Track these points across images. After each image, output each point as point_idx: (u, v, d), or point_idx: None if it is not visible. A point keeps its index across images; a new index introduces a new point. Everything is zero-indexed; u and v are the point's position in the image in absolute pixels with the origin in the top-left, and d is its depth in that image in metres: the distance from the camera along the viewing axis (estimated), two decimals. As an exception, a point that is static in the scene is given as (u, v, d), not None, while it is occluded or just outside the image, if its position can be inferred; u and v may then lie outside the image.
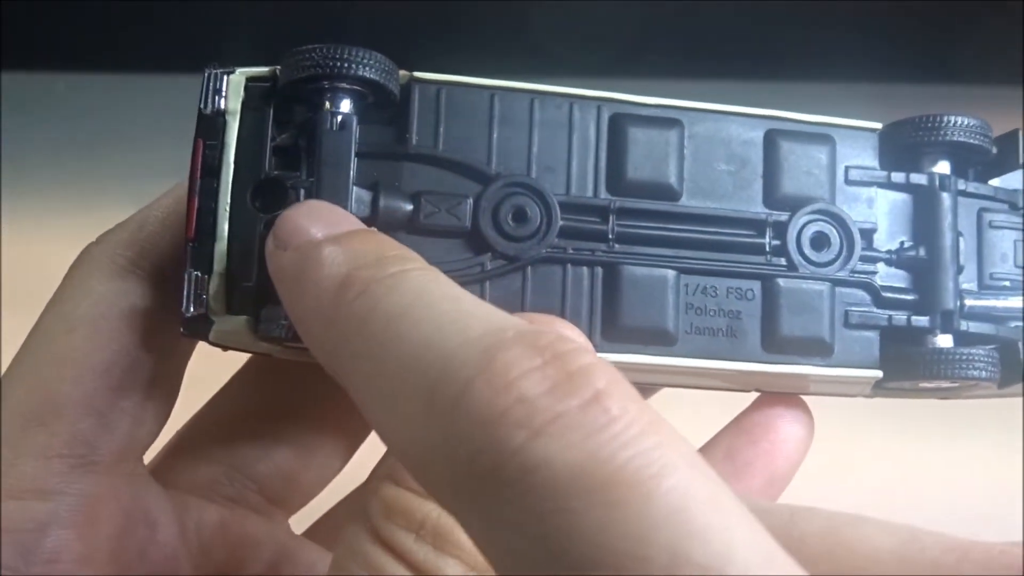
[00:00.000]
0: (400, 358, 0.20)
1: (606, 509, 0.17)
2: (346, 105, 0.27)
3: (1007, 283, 0.30)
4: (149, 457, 0.29)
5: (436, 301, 0.21)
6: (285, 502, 0.30)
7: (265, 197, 0.27)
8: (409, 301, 0.21)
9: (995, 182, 0.30)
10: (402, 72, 0.27)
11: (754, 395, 0.30)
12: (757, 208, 0.28)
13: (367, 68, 0.26)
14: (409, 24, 0.52)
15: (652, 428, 0.18)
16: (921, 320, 0.29)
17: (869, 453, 0.54)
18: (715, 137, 0.28)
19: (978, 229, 0.30)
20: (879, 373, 0.28)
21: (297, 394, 0.30)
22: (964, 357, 0.28)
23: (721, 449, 0.29)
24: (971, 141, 0.29)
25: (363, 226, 0.24)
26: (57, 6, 0.52)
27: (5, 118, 0.55)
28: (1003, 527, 0.53)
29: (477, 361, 0.19)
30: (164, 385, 0.27)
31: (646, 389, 0.33)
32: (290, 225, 0.23)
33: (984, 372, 0.28)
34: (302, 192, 0.26)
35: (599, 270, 0.27)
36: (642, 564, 0.17)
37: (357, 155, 0.27)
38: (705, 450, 0.29)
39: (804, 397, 0.30)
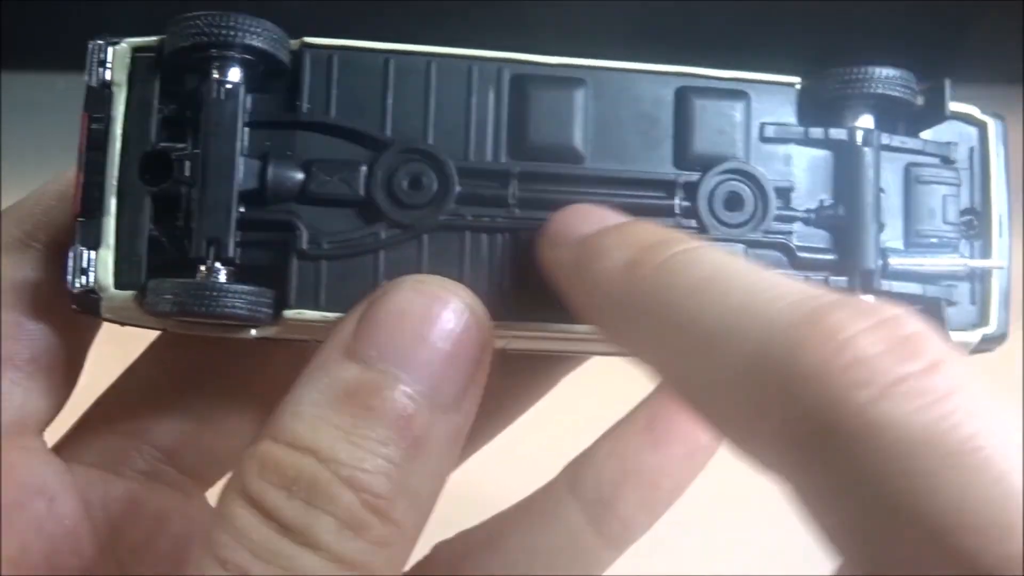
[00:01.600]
0: (712, 326, 0.20)
1: (963, 473, 0.17)
2: (235, 74, 0.26)
3: (935, 240, 0.28)
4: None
5: (738, 271, 0.21)
6: (201, 474, 0.30)
7: (153, 170, 0.26)
8: (709, 273, 0.21)
9: (927, 135, 0.29)
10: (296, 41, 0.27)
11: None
12: (666, 169, 0.27)
13: (252, 36, 0.26)
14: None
15: (990, 398, 0.19)
16: (839, 280, 0.27)
17: None
18: (622, 96, 0.27)
19: (905, 185, 0.29)
20: None
21: (205, 365, 0.30)
22: None
23: (642, 418, 0.28)
24: (893, 93, 0.28)
25: (629, 218, 0.25)
26: (57, 6, 0.52)
27: (5, 118, 0.55)
28: None
29: (803, 322, 0.19)
30: (62, 359, 0.27)
31: (574, 358, 0.32)
32: (561, 226, 0.25)
33: None
34: (187, 164, 0.26)
35: (500, 237, 0.27)
36: (1008, 533, 0.17)
37: (248, 124, 0.26)
38: (627, 420, 0.29)
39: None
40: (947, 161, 0.29)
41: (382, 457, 0.22)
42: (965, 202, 0.29)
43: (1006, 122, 0.30)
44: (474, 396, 0.24)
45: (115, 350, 0.31)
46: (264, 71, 0.26)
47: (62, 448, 0.28)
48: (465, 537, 0.29)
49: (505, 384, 0.32)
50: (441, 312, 0.24)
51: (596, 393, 0.35)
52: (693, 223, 0.27)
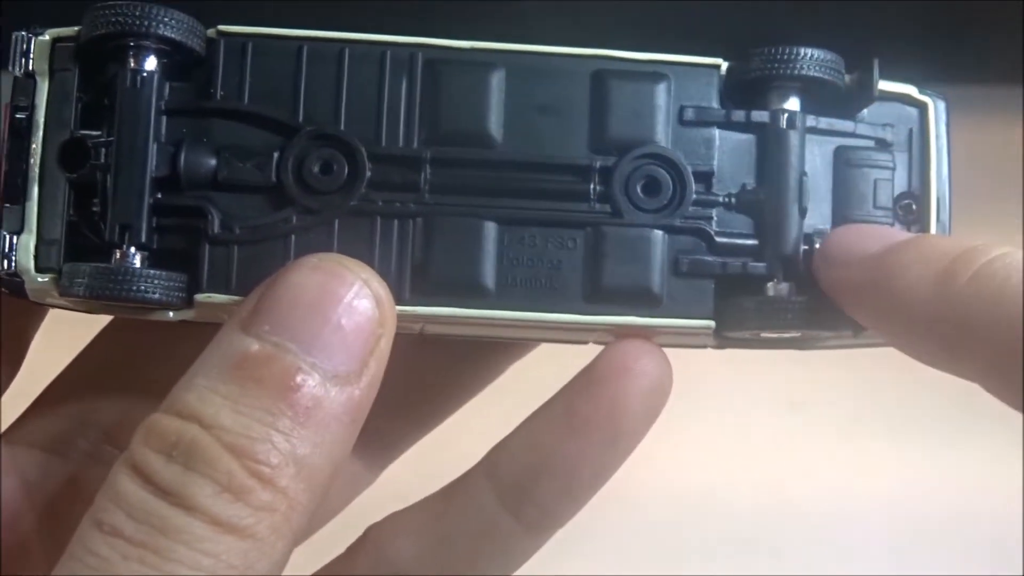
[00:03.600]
0: None
1: None
2: (151, 62, 0.26)
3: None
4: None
5: None
6: None
7: (71, 157, 0.27)
8: None
9: (867, 117, 0.28)
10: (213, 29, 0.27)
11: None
12: (582, 153, 0.27)
13: (163, 26, 0.26)
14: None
15: None
16: (758, 267, 0.27)
17: (867, 452, 0.54)
18: (538, 80, 0.27)
19: (835, 169, 0.28)
20: (711, 323, 0.27)
21: (151, 348, 0.30)
22: (795, 307, 0.26)
23: (560, 406, 0.28)
24: (817, 74, 0.27)
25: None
26: (57, 6, 0.53)
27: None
28: (1002, 527, 0.51)
29: None
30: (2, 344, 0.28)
31: (522, 345, 0.32)
32: (841, 245, 0.26)
33: (809, 326, 0.26)
34: (102, 151, 0.26)
35: (411, 222, 0.27)
36: None
37: (165, 112, 0.27)
38: (545, 408, 0.28)
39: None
40: (882, 144, 0.28)
41: (268, 425, 0.23)
42: (903, 185, 0.28)
43: (948, 102, 0.29)
44: (374, 371, 0.24)
45: (82, 335, 0.31)
46: (181, 59, 0.27)
47: (11, 431, 0.29)
48: (394, 519, 0.30)
49: (451, 369, 0.32)
50: (336, 288, 0.24)
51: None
52: (608, 208, 0.27)
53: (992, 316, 0.22)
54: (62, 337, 0.31)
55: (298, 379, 0.23)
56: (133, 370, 0.30)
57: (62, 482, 0.29)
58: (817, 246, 0.27)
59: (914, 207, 0.28)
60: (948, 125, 0.29)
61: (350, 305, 0.24)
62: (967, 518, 0.52)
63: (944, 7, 0.52)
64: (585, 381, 0.28)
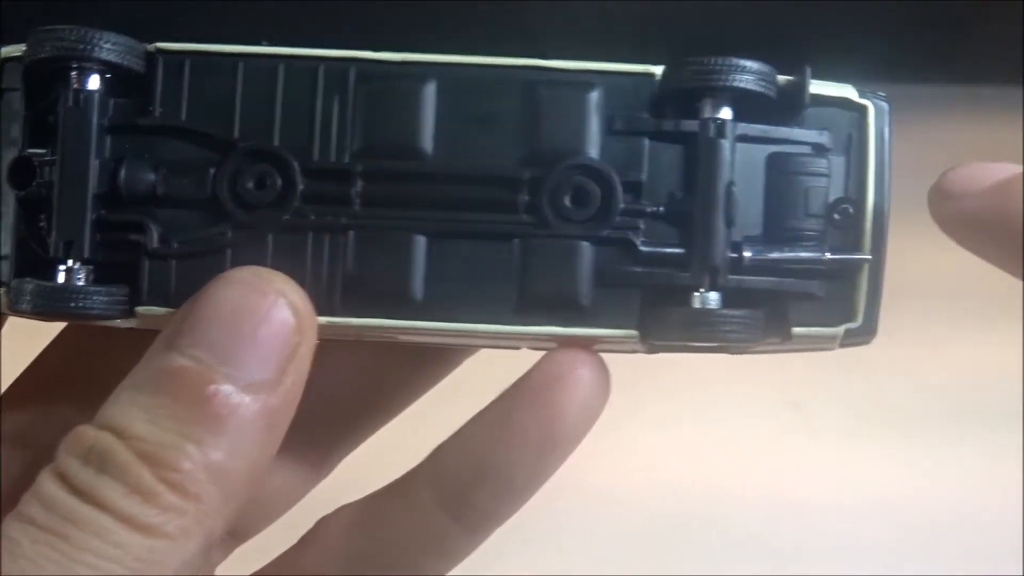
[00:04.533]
0: None
1: None
2: (94, 81, 0.27)
3: (795, 234, 0.28)
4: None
5: None
6: None
7: (20, 175, 0.28)
8: None
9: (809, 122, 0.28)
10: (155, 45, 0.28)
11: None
12: (512, 165, 0.27)
13: (102, 50, 0.27)
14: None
15: None
16: (683, 277, 0.27)
17: (867, 452, 0.54)
18: (469, 92, 0.28)
19: (768, 176, 0.28)
20: (634, 333, 0.27)
21: (108, 344, 0.31)
22: (714, 319, 0.26)
23: (497, 410, 0.29)
24: (746, 86, 0.27)
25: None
26: (58, 6, 0.54)
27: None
28: (1002, 527, 0.50)
29: None
30: None
31: (462, 351, 0.32)
32: (957, 179, 0.26)
33: (735, 335, 0.26)
34: (47, 169, 0.27)
35: (343, 236, 0.27)
36: None
37: (109, 130, 0.28)
38: (483, 413, 0.29)
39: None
40: (819, 149, 0.28)
41: (179, 434, 0.24)
42: (840, 190, 0.28)
43: (890, 104, 0.28)
44: (293, 378, 0.25)
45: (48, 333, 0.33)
46: (125, 77, 0.28)
47: None
48: (342, 513, 0.31)
49: (403, 363, 0.33)
50: (252, 300, 0.25)
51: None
52: (535, 219, 0.27)
53: None
54: (26, 336, 0.32)
55: (210, 389, 0.24)
56: (95, 367, 0.32)
57: (21, 475, 0.31)
58: (746, 255, 0.27)
59: (851, 211, 0.28)
60: (890, 127, 0.28)
61: (266, 316, 0.25)
62: (967, 518, 0.51)
63: (944, 7, 0.51)
64: (521, 389, 0.28)
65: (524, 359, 0.29)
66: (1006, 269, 0.25)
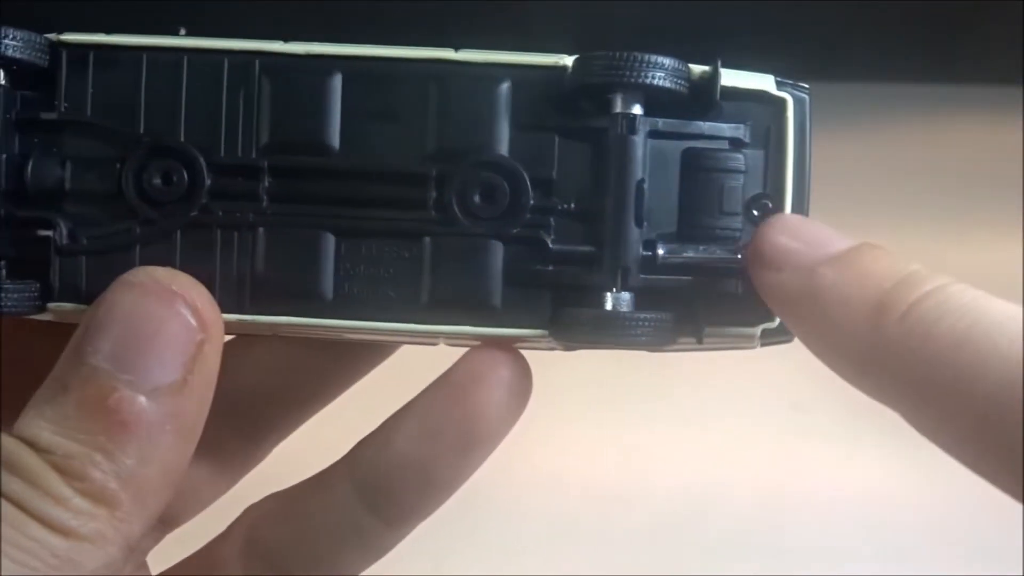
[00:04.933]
0: (967, 386, 0.22)
1: None
2: (-1, 76, 0.27)
3: (710, 232, 0.27)
4: None
5: (994, 323, 0.22)
6: None
7: None
8: (965, 328, 0.22)
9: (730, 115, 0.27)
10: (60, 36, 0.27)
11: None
12: (419, 161, 0.27)
13: (3, 46, 0.26)
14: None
15: None
16: (593, 277, 0.27)
17: (867, 452, 0.53)
18: (376, 85, 0.27)
19: (682, 172, 0.27)
20: (544, 332, 0.27)
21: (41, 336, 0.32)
22: (622, 321, 0.26)
23: (417, 408, 0.28)
24: (656, 82, 0.26)
25: (851, 242, 0.25)
26: (58, 6, 0.53)
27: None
28: (1002, 527, 0.50)
29: None
30: None
31: (385, 349, 0.32)
32: (776, 246, 0.25)
33: (646, 338, 0.26)
34: None
35: (251, 233, 0.27)
36: None
37: (16, 124, 0.27)
38: (404, 410, 0.29)
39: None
40: (737, 143, 0.27)
41: (86, 444, 0.24)
42: (759, 185, 0.27)
43: (809, 94, 0.27)
44: (200, 377, 0.25)
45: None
46: (31, 70, 0.27)
47: None
48: (267, 502, 0.31)
49: (337, 349, 0.33)
50: (148, 303, 0.25)
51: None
52: (443, 216, 0.27)
53: (919, 365, 0.22)
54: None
55: (113, 397, 0.24)
56: (21, 350, 0.32)
57: None
58: (660, 253, 0.27)
59: (770, 206, 0.27)
60: (810, 120, 0.27)
61: (163, 318, 0.25)
62: (967, 518, 0.51)
63: (944, 7, 0.51)
64: (441, 387, 0.28)
65: (456, 351, 0.29)
66: (817, 355, 0.25)
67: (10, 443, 0.24)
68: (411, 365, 0.33)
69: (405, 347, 0.32)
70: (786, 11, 0.50)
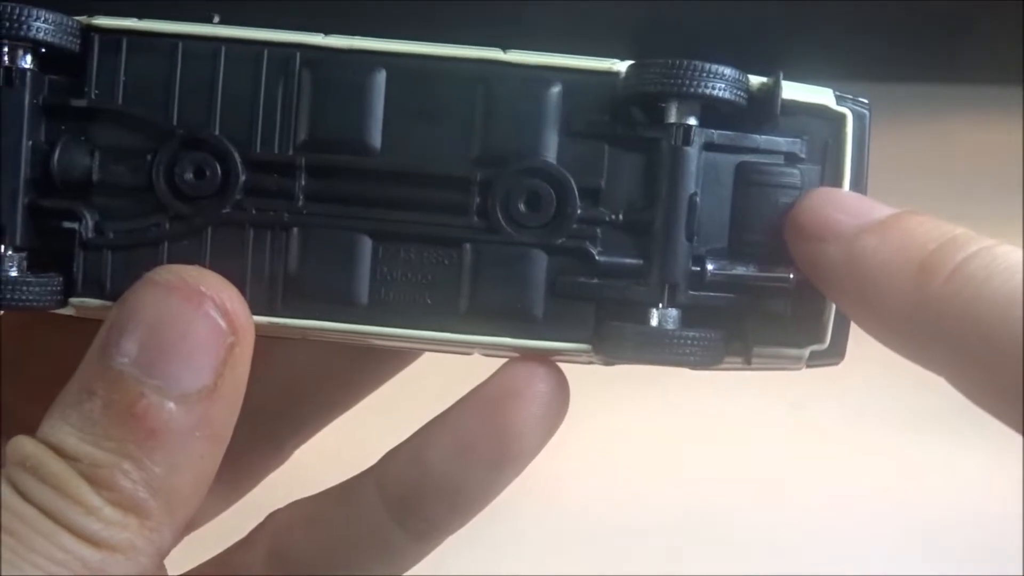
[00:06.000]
0: (1016, 345, 0.21)
1: None
2: (28, 59, 0.26)
3: (762, 250, 0.26)
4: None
5: None
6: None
7: None
8: (1015, 285, 0.22)
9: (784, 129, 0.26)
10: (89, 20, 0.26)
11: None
12: (463, 164, 0.26)
13: (32, 28, 0.25)
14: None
15: None
16: (639, 291, 0.26)
17: (867, 452, 0.53)
18: (421, 84, 0.26)
19: (736, 186, 0.26)
20: (587, 347, 0.26)
21: (49, 331, 0.31)
22: (670, 340, 0.25)
23: (449, 421, 0.27)
24: (714, 92, 0.25)
25: (892, 210, 0.25)
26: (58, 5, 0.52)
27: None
28: (1002, 527, 0.50)
29: None
30: None
31: (409, 353, 0.31)
32: (819, 215, 0.25)
33: (693, 358, 0.25)
34: None
35: (285, 232, 0.26)
36: None
37: (44, 110, 0.26)
38: (435, 424, 0.28)
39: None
40: (792, 159, 0.26)
41: (114, 452, 0.23)
42: None
43: (870, 110, 0.26)
44: (230, 381, 0.24)
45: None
46: (60, 54, 0.26)
47: None
48: (292, 509, 0.30)
49: (361, 352, 0.32)
50: (176, 305, 0.24)
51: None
52: (486, 224, 0.26)
53: (968, 324, 0.22)
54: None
55: (142, 404, 0.23)
56: (32, 349, 0.31)
57: None
58: (709, 269, 0.26)
59: (825, 225, 0.26)
60: (869, 136, 0.26)
61: (192, 320, 0.24)
62: (967, 518, 0.51)
63: (944, 7, 0.50)
64: (475, 401, 0.27)
65: (488, 361, 0.28)
66: (860, 325, 0.24)
67: (37, 449, 0.23)
68: (427, 372, 0.32)
69: (427, 353, 0.32)
70: (786, 11, 0.50)
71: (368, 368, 0.31)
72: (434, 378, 0.33)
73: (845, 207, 0.25)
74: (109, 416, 0.23)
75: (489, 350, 0.27)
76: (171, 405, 0.23)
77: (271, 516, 0.30)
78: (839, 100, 0.26)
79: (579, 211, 0.26)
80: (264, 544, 0.30)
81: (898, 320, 0.23)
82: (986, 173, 0.52)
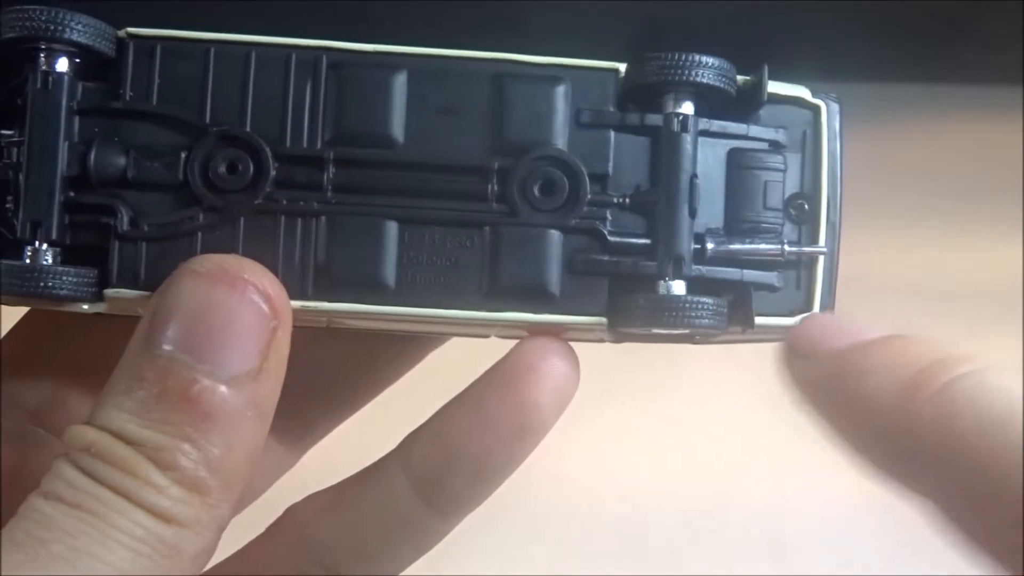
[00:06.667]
0: (1006, 476, 0.21)
1: None
2: (62, 64, 0.27)
3: (755, 226, 0.29)
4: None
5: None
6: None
7: None
8: (1000, 412, 0.21)
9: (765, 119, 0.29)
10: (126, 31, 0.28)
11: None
12: (481, 155, 0.28)
13: (72, 31, 0.27)
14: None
15: None
16: (649, 266, 0.28)
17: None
18: (439, 83, 0.28)
19: (728, 170, 0.29)
20: (603, 320, 0.28)
21: (68, 328, 0.31)
22: (682, 305, 0.27)
23: (470, 399, 0.29)
24: (707, 81, 0.28)
25: (885, 332, 0.25)
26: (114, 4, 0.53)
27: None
28: None
29: None
30: None
31: (429, 342, 0.33)
32: (809, 336, 0.26)
33: (701, 320, 0.27)
34: (15, 150, 0.27)
35: (314, 221, 0.28)
36: None
37: (78, 112, 0.28)
38: (456, 401, 0.29)
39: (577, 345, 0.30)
40: (776, 145, 0.29)
41: (173, 436, 0.24)
42: (796, 186, 0.29)
43: (840, 103, 0.29)
44: (274, 363, 0.25)
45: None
46: (94, 61, 0.28)
47: None
48: (312, 500, 0.31)
49: (369, 357, 0.33)
50: (220, 291, 0.25)
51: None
52: (505, 208, 0.28)
53: (948, 444, 0.22)
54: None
55: (196, 389, 0.24)
56: (55, 350, 0.31)
57: None
58: (708, 246, 0.28)
59: (806, 207, 0.29)
60: (841, 126, 0.29)
61: (237, 306, 0.25)
62: None
63: (944, 7, 0.51)
64: (494, 377, 0.29)
65: (493, 348, 0.29)
66: (843, 443, 0.25)
67: (100, 436, 0.24)
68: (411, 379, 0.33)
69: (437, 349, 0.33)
70: (786, 11, 0.50)
71: (380, 363, 0.32)
72: (419, 384, 0.34)
73: (838, 327, 0.26)
74: (165, 402, 0.24)
75: (509, 328, 0.29)
76: (223, 388, 0.25)
77: (290, 510, 0.31)
78: (814, 93, 0.29)
79: (589, 195, 0.28)
80: (287, 537, 0.31)
81: (883, 438, 0.23)
82: (986, 173, 0.51)
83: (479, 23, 0.49)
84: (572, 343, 0.29)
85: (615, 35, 0.51)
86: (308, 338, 0.30)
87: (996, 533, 0.21)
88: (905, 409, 0.22)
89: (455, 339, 0.33)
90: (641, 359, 0.29)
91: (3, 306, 0.31)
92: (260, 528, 0.31)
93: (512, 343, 0.29)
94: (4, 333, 0.33)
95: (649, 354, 0.29)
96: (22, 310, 0.32)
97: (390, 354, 0.33)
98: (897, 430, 0.22)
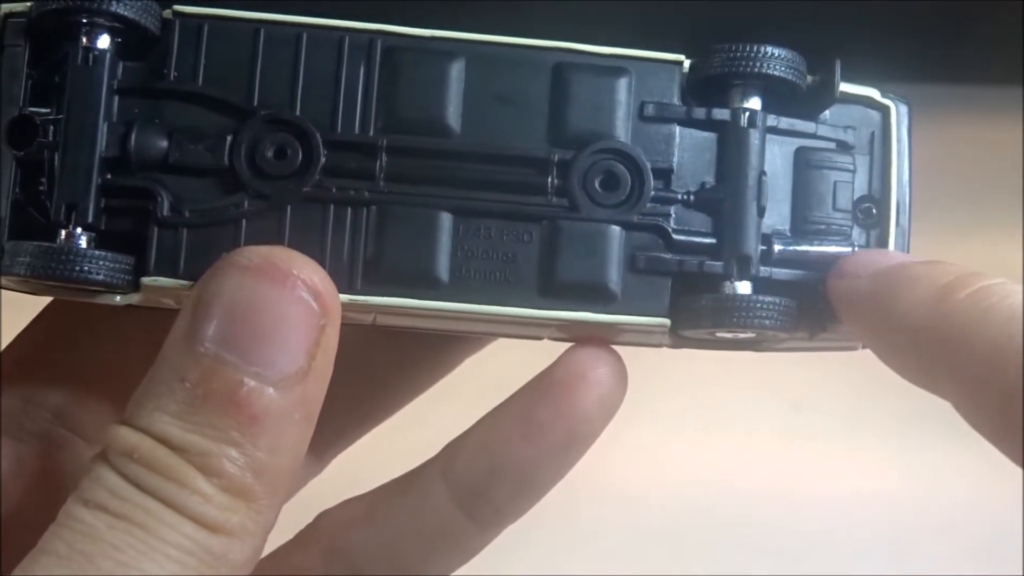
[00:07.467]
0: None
1: None
2: (104, 41, 0.26)
3: (823, 227, 0.28)
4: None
5: None
6: (92, 435, 0.30)
7: (20, 134, 0.26)
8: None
9: (828, 119, 0.28)
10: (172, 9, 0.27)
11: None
12: (540, 146, 0.27)
13: (117, 3, 0.26)
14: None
15: None
16: (715, 266, 0.27)
17: (868, 452, 0.54)
18: (498, 71, 0.27)
19: (795, 170, 0.28)
20: (666, 321, 0.27)
21: (96, 327, 0.30)
22: (752, 305, 0.26)
23: (517, 407, 0.28)
24: (778, 73, 0.27)
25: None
26: None
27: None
28: (1002, 527, 0.51)
29: None
30: None
31: (477, 339, 0.31)
32: (860, 261, 0.26)
33: (771, 321, 0.26)
34: (51, 129, 0.26)
35: (365, 210, 0.26)
36: None
37: (117, 91, 0.26)
38: (501, 409, 0.28)
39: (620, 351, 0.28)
40: (844, 146, 0.28)
41: (219, 440, 0.23)
42: (863, 189, 0.28)
43: (910, 106, 0.28)
44: (322, 362, 0.24)
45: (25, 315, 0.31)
46: (137, 39, 0.26)
47: None
48: (346, 507, 0.30)
49: (406, 361, 0.32)
50: (268, 288, 0.24)
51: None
52: (565, 202, 0.27)
53: (979, 331, 0.23)
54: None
55: (243, 392, 0.23)
56: (77, 349, 0.30)
57: (12, 463, 0.29)
58: (775, 247, 0.27)
59: (874, 211, 0.28)
60: (910, 129, 0.28)
61: (285, 304, 0.24)
62: (967, 518, 0.51)
63: (944, 7, 0.51)
64: (541, 386, 0.28)
65: (523, 361, 0.28)
66: (876, 349, 0.26)
67: (143, 440, 0.23)
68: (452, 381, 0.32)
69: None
70: (786, 12, 0.50)
71: (410, 372, 0.31)
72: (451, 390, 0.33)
73: (888, 255, 0.27)
74: (211, 405, 0.23)
75: (565, 329, 0.27)
76: (271, 391, 0.23)
77: (322, 516, 0.30)
78: (883, 94, 0.28)
79: (653, 191, 0.27)
80: (319, 543, 0.29)
81: (916, 331, 0.24)
82: (986, 173, 0.53)
83: (527, 14, 0.48)
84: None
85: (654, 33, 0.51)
86: (344, 343, 0.29)
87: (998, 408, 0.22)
88: (941, 303, 0.23)
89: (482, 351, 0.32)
90: (634, 359, 0.28)
91: (6, 307, 0.30)
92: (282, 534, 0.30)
93: (554, 350, 0.28)
94: (20, 330, 0.31)
95: (642, 355, 0.28)
96: (25, 312, 0.31)
97: (425, 360, 0.32)
98: (931, 323, 0.23)
